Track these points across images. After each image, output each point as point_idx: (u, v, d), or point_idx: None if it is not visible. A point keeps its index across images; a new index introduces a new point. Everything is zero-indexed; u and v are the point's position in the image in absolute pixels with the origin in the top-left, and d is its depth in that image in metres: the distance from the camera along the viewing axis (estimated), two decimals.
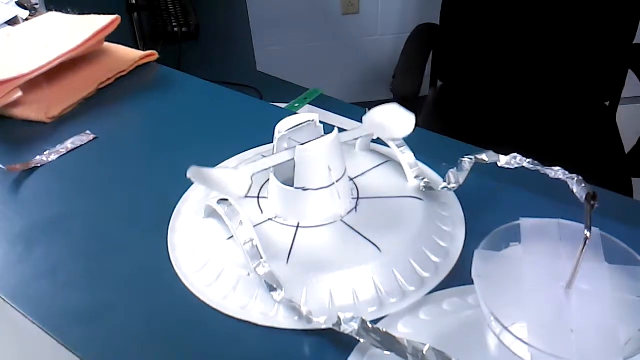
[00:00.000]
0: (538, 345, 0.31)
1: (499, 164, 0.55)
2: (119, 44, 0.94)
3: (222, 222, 0.53)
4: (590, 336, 0.32)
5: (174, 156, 0.69)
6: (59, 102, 0.80)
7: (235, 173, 0.51)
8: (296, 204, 0.53)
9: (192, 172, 0.49)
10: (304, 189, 0.52)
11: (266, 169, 0.52)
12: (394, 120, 0.59)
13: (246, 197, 0.53)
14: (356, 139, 0.60)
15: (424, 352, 0.39)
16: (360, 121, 0.60)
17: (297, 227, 0.53)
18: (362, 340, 0.42)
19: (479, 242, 0.37)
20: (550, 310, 0.34)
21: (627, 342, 0.32)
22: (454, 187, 0.55)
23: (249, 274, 0.49)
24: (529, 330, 0.32)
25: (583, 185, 0.51)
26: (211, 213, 0.54)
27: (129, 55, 0.90)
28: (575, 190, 0.51)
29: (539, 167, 0.54)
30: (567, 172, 0.52)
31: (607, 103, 1.56)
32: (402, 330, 0.45)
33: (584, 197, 0.48)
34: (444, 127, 1.53)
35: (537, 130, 1.49)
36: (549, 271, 0.35)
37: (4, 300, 0.51)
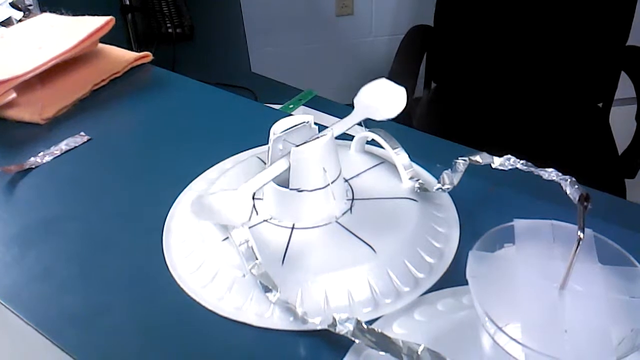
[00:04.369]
0: (532, 345, 0.31)
1: (493, 166, 0.55)
2: (113, 45, 0.94)
3: (217, 223, 0.53)
4: (584, 336, 0.32)
5: (169, 157, 0.69)
6: (53, 103, 0.80)
7: (236, 195, 0.51)
8: (291, 205, 0.53)
9: (194, 207, 0.50)
10: (299, 190, 0.52)
11: (265, 184, 0.52)
12: (385, 98, 0.59)
13: None
14: (350, 127, 0.60)
15: (419, 353, 0.39)
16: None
17: (292, 228, 0.53)
18: (357, 341, 0.42)
19: (473, 243, 0.37)
20: (543, 310, 0.34)
21: (620, 342, 0.32)
22: (448, 189, 0.55)
23: (244, 275, 0.49)
24: (522, 330, 0.32)
25: (576, 186, 0.51)
26: None
27: (123, 56, 0.90)
28: (568, 192, 0.51)
29: (532, 169, 0.54)
30: (560, 174, 0.53)
31: (600, 104, 1.57)
32: (397, 331, 0.45)
33: (577, 198, 0.49)
34: (439, 128, 1.53)
35: (531, 132, 1.50)
36: (542, 272, 0.36)
37: None
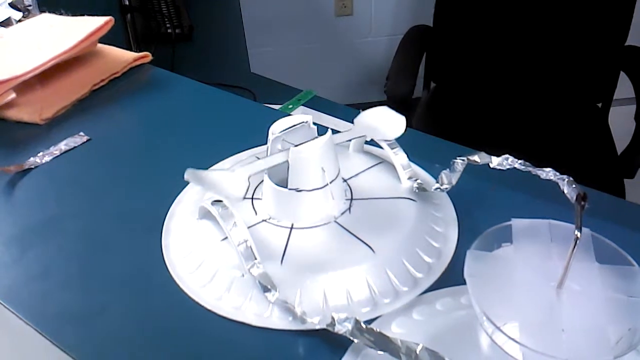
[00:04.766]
0: (529, 344, 0.31)
1: (491, 165, 0.55)
2: (112, 45, 0.94)
3: (216, 224, 0.53)
4: (581, 335, 0.32)
5: (168, 157, 0.69)
6: (52, 103, 0.80)
7: (232, 175, 0.51)
8: (290, 205, 0.53)
9: (189, 174, 0.50)
10: (298, 190, 0.52)
11: (262, 171, 0.53)
12: (385, 122, 0.60)
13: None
14: (349, 140, 0.60)
15: (417, 352, 0.39)
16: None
17: (291, 228, 0.53)
18: (355, 341, 0.42)
19: (472, 243, 0.37)
20: (541, 309, 0.34)
21: (618, 341, 0.32)
22: (446, 188, 0.55)
23: (243, 275, 0.49)
24: (520, 329, 0.32)
25: (573, 185, 0.51)
26: (205, 214, 0.54)
27: (122, 56, 0.90)
28: (565, 191, 0.51)
29: (530, 168, 0.54)
30: (557, 173, 0.53)
31: (600, 104, 1.57)
32: (395, 331, 0.45)
33: (574, 197, 0.49)
34: (438, 128, 1.53)
35: (530, 132, 1.50)
36: (540, 271, 0.36)
37: None
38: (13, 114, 0.79)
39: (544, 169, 0.54)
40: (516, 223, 0.39)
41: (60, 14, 0.95)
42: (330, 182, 0.53)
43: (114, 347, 0.47)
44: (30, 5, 1.10)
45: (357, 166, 0.61)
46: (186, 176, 0.49)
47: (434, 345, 0.39)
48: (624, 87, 1.49)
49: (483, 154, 0.56)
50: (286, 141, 0.55)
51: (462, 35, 1.63)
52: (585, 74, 1.56)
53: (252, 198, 0.57)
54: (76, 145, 0.72)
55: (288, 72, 1.90)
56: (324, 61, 2.25)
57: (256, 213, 0.55)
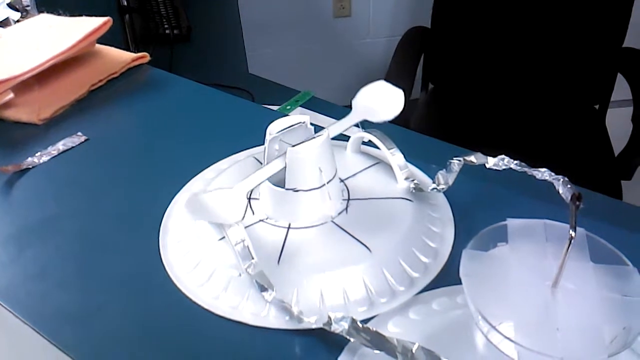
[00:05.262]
0: (525, 343, 0.31)
1: (487, 166, 0.55)
2: (110, 46, 0.94)
3: (213, 223, 0.53)
4: (576, 334, 0.33)
5: (166, 158, 0.69)
6: (50, 103, 0.80)
7: (231, 194, 0.51)
8: (287, 205, 0.53)
9: (188, 206, 0.50)
10: (295, 190, 0.52)
11: (260, 183, 0.53)
12: (383, 100, 0.60)
13: None
14: (347, 129, 0.60)
15: (413, 351, 0.39)
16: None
17: (288, 228, 0.53)
18: (352, 340, 0.42)
19: (468, 243, 0.37)
20: (536, 308, 0.34)
21: (612, 340, 0.32)
22: (443, 189, 0.55)
23: (240, 275, 0.49)
24: (515, 328, 0.32)
25: (569, 186, 0.51)
26: None
27: (120, 57, 0.91)
28: (561, 191, 0.51)
29: (526, 169, 0.54)
30: (553, 174, 0.53)
31: (597, 106, 1.57)
32: (392, 330, 0.45)
33: (569, 197, 0.49)
34: (435, 129, 1.53)
35: (527, 133, 1.50)
36: (535, 270, 0.36)
37: None
38: (11, 114, 0.79)
39: (540, 169, 0.54)
40: (511, 223, 0.39)
41: (59, 15, 0.95)
42: (328, 182, 0.53)
43: (112, 347, 0.47)
44: (28, 6, 1.10)
45: (354, 166, 0.61)
46: (186, 208, 0.50)
47: (430, 345, 0.39)
48: (621, 88, 1.49)
49: (479, 154, 0.56)
50: (283, 141, 0.55)
51: (460, 37, 1.63)
52: (583, 75, 1.56)
53: (249, 198, 0.57)
54: (74, 145, 0.73)
55: (286, 73, 1.90)
56: (322, 62, 2.25)
57: (253, 213, 0.55)
